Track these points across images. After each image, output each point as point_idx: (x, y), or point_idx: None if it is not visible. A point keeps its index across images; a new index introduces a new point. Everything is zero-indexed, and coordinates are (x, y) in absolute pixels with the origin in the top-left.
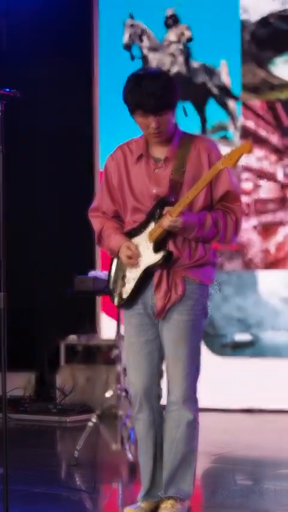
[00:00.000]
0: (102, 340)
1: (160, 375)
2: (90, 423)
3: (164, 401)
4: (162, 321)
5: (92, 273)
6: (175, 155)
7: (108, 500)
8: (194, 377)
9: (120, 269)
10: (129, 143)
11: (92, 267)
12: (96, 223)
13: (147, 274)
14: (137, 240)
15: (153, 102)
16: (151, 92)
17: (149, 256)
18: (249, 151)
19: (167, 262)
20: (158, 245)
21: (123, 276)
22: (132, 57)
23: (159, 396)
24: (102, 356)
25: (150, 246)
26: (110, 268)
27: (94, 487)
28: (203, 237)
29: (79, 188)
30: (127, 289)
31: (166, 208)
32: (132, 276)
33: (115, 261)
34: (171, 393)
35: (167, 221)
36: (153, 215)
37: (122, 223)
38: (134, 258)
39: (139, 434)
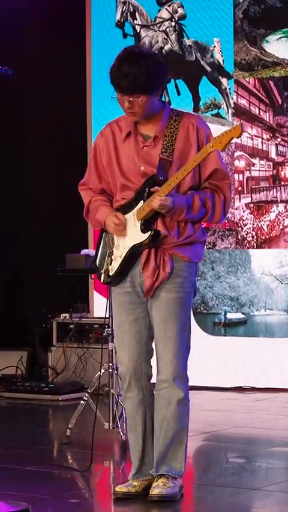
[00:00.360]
0: (94, 318)
1: (150, 354)
2: (82, 402)
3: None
4: (151, 299)
5: (84, 251)
6: (164, 134)
7: (100, 479)
8: (184, 355)
9: (108, 246)
10: (118, 120)
11: (85, 245)
12: (85, 195)
13: (134, 253)
14: (125, 217)
15: (126, 84)
16: (125, 74)
17: (136, 235)
18: (239, 135)
19: (154, 241)
20: (146, 224)
21: (110, 253)
22: (125, 35)
23: (148, 375)
24: (95, 334)
25: (138, 224)
26: (98, 245)
27: (90, 466)
28: (191, 218)
29: (71, 166)
30: (113, 267)
31: (155, 188)
32: (118, 254)
33: (102, 238)
34: (161, 372)
35: (156, 201)
36: (142, 193)
37: (110, 197)
38: (121, 225)
39: (128, 413)
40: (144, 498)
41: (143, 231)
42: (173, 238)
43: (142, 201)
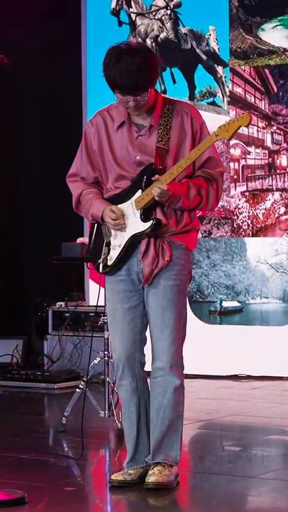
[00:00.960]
0: (90, 307)
1: (143, 342)
2: (77, 390)
3: (147, 367)
4: (148, 286)
5: (80, 240)
6: (158, 123)
7: (96, 467)
8: (180, 342)
9: (105, 235)
10: (109, 109)
11: (81, 233)
12: (74, 188)
13: (133, 242)
14: (122, 206)
15: (130, 84)
16: (127, 75)
17: (136, 224)
18: (247, 124)
19: (155, 230)
20: (146, 213)
21: (108, 243)
22: (120, 23)
23: (142, 363)
24: (90, 322)
25: (137, 213)
26: (91, 234)
27: (82, 454)
28: (187, 206)
29: (67, 155)
30: (112, 256)
31: (156, 176)
32: (117, 243)
33: (96, 227)
34: (157, 359)
35: (158, 190)
36: (139, 182)
37: (100, 188)
38: (120, 219)
39: (122, 400)
40: (140, 486)
41: (143, 220)
42: (172, 227)
43: (140, 190)
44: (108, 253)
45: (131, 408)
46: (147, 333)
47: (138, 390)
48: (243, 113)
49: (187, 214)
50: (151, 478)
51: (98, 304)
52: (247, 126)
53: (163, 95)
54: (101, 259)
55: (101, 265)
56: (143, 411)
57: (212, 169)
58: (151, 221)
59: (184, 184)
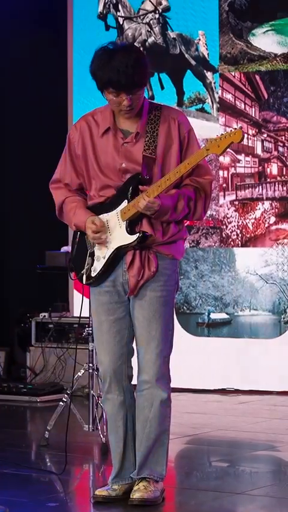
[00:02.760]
0: (74, 318)
1: (130, 354)
2: (61, 403)
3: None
4: (133, 298)
5: (64, 249)
6: (145, 130)
7: (79, 482)
8: (167, 355)
9: (88, 245)
10: (93, 113)
11: (65, 242)
12: (57, 195)
13: (118, 254)
14: (106, 216)
15: (126, 81)
16: (124, 71)
17: (121, 236)
18: (240, 141)
19: (141, 243)
20: (132, 224)
21: (91, 253)
22: (107, 27)
23: (129, 376)
24: (74, 334)
25: (123, 224)
26: (73, 243)
27: (64, 468)
28: (174, 219)
29: (51, 161)
30: (96, 267)
31: (142, 187)
32: (101, 254)
33: (78, 236)
34: (143, 372)
35: (143, 202)
36: (125, 192)
37: (84, 195)
38: (101, 233)
39: (109, 415)
40: (125, 502)
41: (129, 232)
42: (158, 238)
43: (126, 200)
44: (92, 264)
45: (118, 422)
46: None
47: (125, 404)
48: (235, 129)
49: (174, 225)
50: (136, 494)
51: (82, 315)
52: (239, 143)
53: (149, 100)
54: (85, 270)
55: (84, 276)
56: (130, 426)
57: (200, 177)
58: (137, 234)
59: (174, 195)
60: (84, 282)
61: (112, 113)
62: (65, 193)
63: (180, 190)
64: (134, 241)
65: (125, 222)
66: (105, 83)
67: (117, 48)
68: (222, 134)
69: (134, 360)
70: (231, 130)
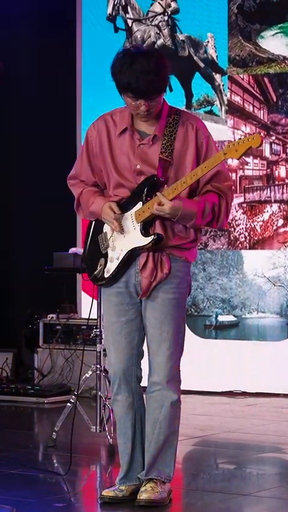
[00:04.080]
0: (82, 319)
1: (140, 356)
2: (68, 405)
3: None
4: (146, 300)
5: (72, 250)
6: (163, 133)
7: (86, 483)
8: (178, 357)
9: (101, 246)
10: (112, 113)
11: (73, 243)
12: (75, 188)
13: (132, 255)
14: (121, 217)
15: (146, 88)
16: (143, 77)
17: (136, 237)
18: (259, 146)
19: (156, 245)
20: (146, 226)
21: (105, 254)
22: (116, 29)
23: (138, 378)
24: (82, 336)
25: (138, 226)
26: (86, 243)
27: (69, 469)
28: (199, 224)
29: (60, 163)
30: (109, 269)
31: (158, 191)
32: (115, 256)
33: (91, 236)
34: (155, 374)
35: (157, 207)
36: (140, 194)
37: (101, 188)
38: (118, 219)
39: (117, 416)
40: (132, 503)
41: (144, 234)
42: (172, 241)
43: (141, 202)
44: (105, 266)
45: (127, 423)
46: (144, 347)
47: (134, 405)
48: (254, 133)
49: (193, 232)
50: (143, 495)
51: (90, 317)
52: (258, 148)
53: (169, 104)
54: (97, 271)
55: (96, 278)
56: (138, 428)
57: (221, 183)
58: (152, 236)
59: (200, 201)
60: (97, 283)
61: (130, 114)
62: (82, 185)
63: (205, 196)
64: (149, 243)
65: (139, 224)
66: (124, 87)
67: (139, 53)
68: (240, 138)
69: (144, 362)
70: (250, 135)
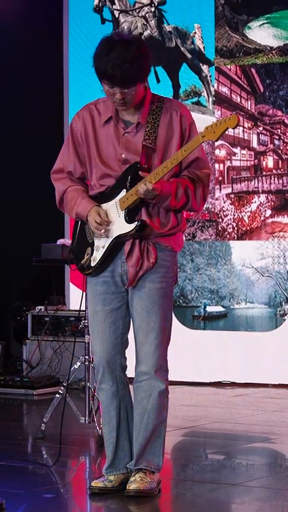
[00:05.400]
0: (70, 311)
1: (125, 345)
2: (57, 396)
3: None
4: (132, 289)
5: (60, 241)
6: (146, 120)
7: (76, 474)
8: (165, 346)
9: (88, 236)
10: (96, 103)
11: (61, 235)
12: (59, 184)
13: (117, 243)
14: (106, 206)
15: (120, 76)
16: (118, 65)
17: (120, 225)
18: (235, 126)
19: (140, 232)
20: (131, 213)
21: (92, 243)
22: (103, 21)
23: (123, 367)
24: (71, 327)
25: (122, 213)
26: (74, 233)
27: (57, 460)
28: (174, 206)
29: (47, 153)
30: (95, 257)
31: (142, 174)
32: (101, 244)
33: (79, 227)
34: (142, 363)
35: (143, 187)
36: (124, 181)
37: (86, 185)
38: (103, 225)
39: (102, 404)
40: (121, 493)
41: (128, 221)
42: (157, 229)
43: (124, 189)
44: (92, 254)
45: (111, 412)
46: (130, 336)
47: (118, 394)
48: (230, 114)
49: (173, 216)
50: (132, 485)
51: (79, 308)
52: (234, 128)
53: (152, 92)
54: (84, 260)
55: (83, 267)
56: (123, 416)
57: (198, 170)
58: (136, 222)
59: (172, 182)
60: (83, 272)
61: None
62: (68, 183)
63: (178, 179)
64: (133, 229)
65: (123, 211)
66: (101, 74)
67: (119, 41)
68: (218, 120)
69: (129, 351)
70: (226, 116)
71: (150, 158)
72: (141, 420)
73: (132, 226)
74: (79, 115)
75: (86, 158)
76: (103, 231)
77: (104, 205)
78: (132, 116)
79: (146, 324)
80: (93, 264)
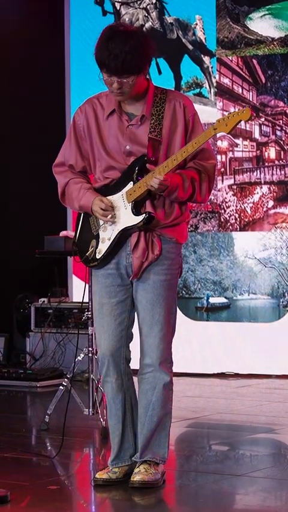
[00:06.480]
0: (73, 303)
1: (129, 338)
2: (61, 388)
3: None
4: (137, 281)
5: (63, 233)
6: (151, 113)
7: (80, 465)
8: (170, 339)
9: (93, 228)
10: (98, 96)
11: (64, 227)
12: (61, 177)
13: (124, 235)
14: (112, 198)
15: (116, 65)
16: (115, 55)
17: (127, 217)
18: (248, 119)
19: (147, 224)
20: (137, 206)
21: (97, 236)
22: (105, 13)
23: (127, 359)
24: (74, 319)
25: (129, 206)
26: (77, 226)
27: (59, 452)
28: (181, 197)
29: (49, 146)
30: (101, 249)
31: (149, 167)
32: (107, 236)
33: (82, 219)
34: (147, 356)
35: (156, 181)
36: (130, 174)
37: (88, 179)
38: (109, 210)
39: (107, 397)
40: (125, 485)
41: (135, 213)
42: (162, 220)
43: (131, 182)
44: (97, 246)
45: (117, 405)
46: (135, 329)
47: (123, 386)
48: (243, 107)
49: (177, 207)
50: (137, 477)
51: (82, 300)
52: (247, 121)
53: (154, 84)
54: (89, 252)
55: (88, 259)
56: (128, 408)
57: (204, 161)
58: (143, 214)
59: (179, 174)
60: (88, 265)
61: None
62: (69, 175)
63: (184, 170)
64: (140, 221)
65: (130, 204)
66: (99, 63)
67: (119, 31)
68: (230, 113)
69: (133, 344)
70: (239, 109)
71: (157, 150)
72: (146, 412)
73: (139, 218)
74: (82, 109)
75: (88, 151)
76: (110, 216)
77: (110, 198)
78: (135, 109)
79: (151, 317)
80: (98, 256)
